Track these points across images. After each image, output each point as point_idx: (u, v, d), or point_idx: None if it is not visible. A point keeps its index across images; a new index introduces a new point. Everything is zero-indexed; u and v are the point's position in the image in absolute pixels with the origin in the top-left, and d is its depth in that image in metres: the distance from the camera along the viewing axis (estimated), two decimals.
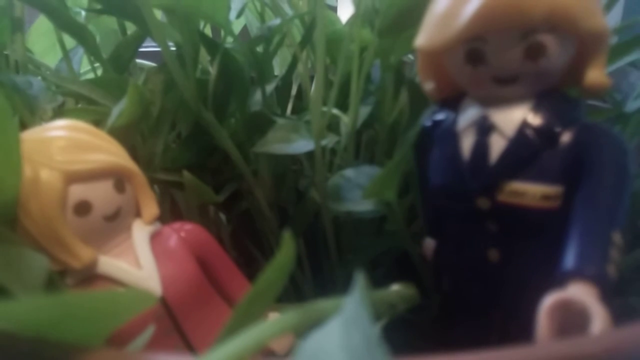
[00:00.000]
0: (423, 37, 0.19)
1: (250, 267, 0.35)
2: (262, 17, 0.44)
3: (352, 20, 0.30)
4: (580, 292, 0.14)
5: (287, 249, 0.14)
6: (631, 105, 0.27)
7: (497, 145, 0.19)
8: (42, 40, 0.44)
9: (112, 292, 0.16)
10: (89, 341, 0.12)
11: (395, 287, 0.20)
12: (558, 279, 0.15)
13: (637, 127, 0.29)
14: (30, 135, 0.21)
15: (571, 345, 0.12)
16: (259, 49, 0.37)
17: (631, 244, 0.28)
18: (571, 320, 0.14)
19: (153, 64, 0.43)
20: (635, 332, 0.12)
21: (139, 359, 0.11)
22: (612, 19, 0.59)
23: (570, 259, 0.15)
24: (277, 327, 0.13)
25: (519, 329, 0.17)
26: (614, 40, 0.36)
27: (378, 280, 0.21)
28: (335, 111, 0.31)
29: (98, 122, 0.31)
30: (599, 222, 0.16)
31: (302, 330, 0.12)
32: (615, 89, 0.42)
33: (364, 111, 0.32)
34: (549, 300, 0.14)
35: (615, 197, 0.16)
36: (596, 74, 0.18)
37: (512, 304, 0.19)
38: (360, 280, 0.12)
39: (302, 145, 0.29)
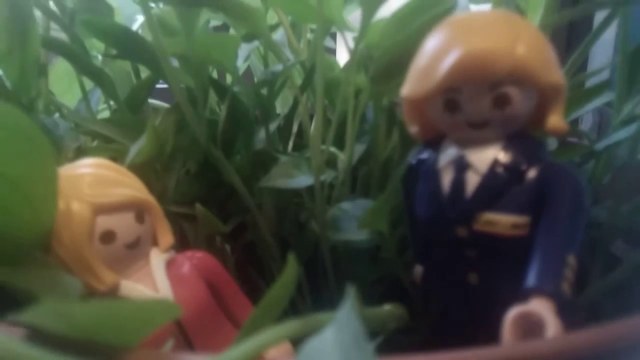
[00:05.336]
0: (407, 88, 0.22)
1: (253, 294, 0.38)
2: (265, 60, 0.47)
3: (348, 66, 0.33)
4: (539, 306, 0.17)
5: (290, 270, 0.17)
6: (601, 144, 0.30)
7: (472, 181, 0.21)
8: (61, 81, 0.48)
9: (148, 300, 0.18)
10: (127, 344, 0.14)
11: (386, 307, 0.23)
12: (521, 295, 0.18)
13: (607, 163, 0.32)
14: (62, 172, 0.23)
15: (528, 347, 0.14)
16: (263, 91, 0.40)
17: (604, 269, 0.30)
18: (532, 329, 0.16)
19: (161, 102, 0.46)
20: (579, 338, 0.14)
21: (172, 358, 0.13)
22: (603, 56, 0.63)
23: (531, 277, 0.18)
24: (277, 334, 0.15)
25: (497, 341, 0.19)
26: (604, 76, 0.39)
27: (373, 303, 0.23)
28: (333, 149, 0.33)
29: (114, 159, 0.33)
30: (556, 246, 0.19)
31: (300, 338, 0.15)
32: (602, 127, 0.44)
33: (359, 149, 0.35)
34: (512, 312, 0.17)
35: (571, 226, 0.19)
36: (556, 119, 0.21)
37: (490, 321, 0.22)
38: (351, 294, 0.15)
39: (303, 180, 0.32)
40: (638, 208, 0.30)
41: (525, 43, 0.19)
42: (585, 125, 0.64)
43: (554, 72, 0.20)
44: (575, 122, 0.53)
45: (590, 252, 0.31)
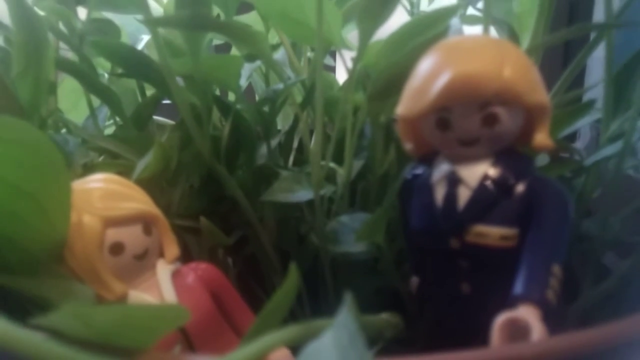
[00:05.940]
0: (402, 107, 0.23)
1: (254, 305, 0.38)
2: (266, 78, 0.49)
3: (347, 85, 0.35)
4: (525, 312, 0.18)
5: (291, 280, 0.18)
6: (590, 160, 0.31)
7: (463, 195, 0.22)
8: (68, 98, 0.49)
9: (160, 306, 0.19)
10: (140, 347, 0.15)
11: (383, 316, 0.24)
12: (510, 301, 0.19)
13: (597, 178, 0.33)
14: (74, 186, 0.24)
15: (512, 349, 0.16)
16: (265, 108, 0.41)
17: (595, 279, 0.31)
18: (519, 334, 0.18)
19: (165, 119, 0.47)
20: (560, 341, 0.16)
21: (182, 359, 0.14)
22: (599, 72, 0.64)
23: (518, 286, 0.19)
24: (277, 339, 0.16)
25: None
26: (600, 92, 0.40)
27: (371, 313, 0.24)
28: (332, 164, 0.35)
29: (121, 174, 0.34)
30: (542, 257, 0.20)
31: (300, 344, 0.16)
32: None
33: (358, 164, 0.36)
34: (500, 318, 0.18)
35: (556, 238, 0.20)
36: (542, 137, 0.22)
37: (482, 328, 0.23)
38: (348, 301, 0.16)
39: (303, 194, 0.33)
40: (627, 221, 0.31)
41: (511, 66, 0.21)
42: (583, 140, 0.65)
43: (539, 93, 0.22)
44: (572, 137, 0.54)
45: (582, 264, 0.32)
